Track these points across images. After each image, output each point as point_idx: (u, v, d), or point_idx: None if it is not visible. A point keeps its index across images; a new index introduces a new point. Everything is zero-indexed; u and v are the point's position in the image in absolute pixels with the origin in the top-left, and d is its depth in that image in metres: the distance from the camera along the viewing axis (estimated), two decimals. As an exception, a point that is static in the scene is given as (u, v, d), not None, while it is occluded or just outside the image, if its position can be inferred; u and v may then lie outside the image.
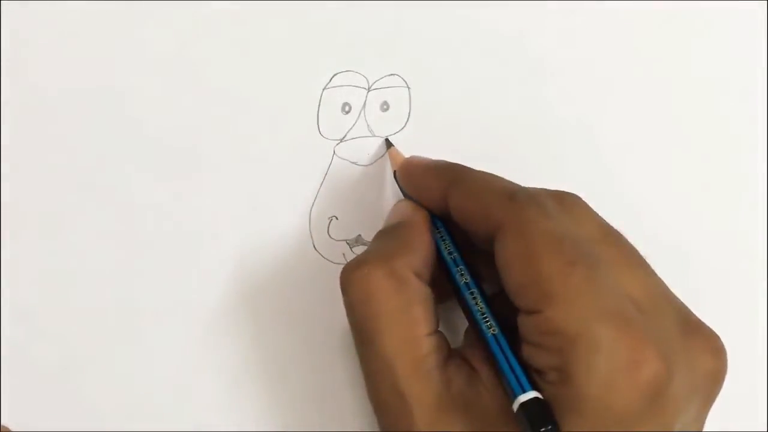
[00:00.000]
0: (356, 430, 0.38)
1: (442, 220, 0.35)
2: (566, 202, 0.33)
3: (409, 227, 0.34)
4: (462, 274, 0.34)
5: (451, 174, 0.34)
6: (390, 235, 0.35)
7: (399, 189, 0.37)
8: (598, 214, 0.34)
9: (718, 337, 0.32)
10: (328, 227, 0.38)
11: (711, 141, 0.42)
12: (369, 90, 0.37)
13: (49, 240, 0.35)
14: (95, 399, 0.36)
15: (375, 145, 0.38)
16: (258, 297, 0.37)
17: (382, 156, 0.38)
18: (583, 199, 0.34)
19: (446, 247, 0.34)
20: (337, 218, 0.38)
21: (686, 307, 0.33)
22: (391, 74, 0.38)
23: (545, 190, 0.33)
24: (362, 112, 0.37)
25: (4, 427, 0.35)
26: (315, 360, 0.38)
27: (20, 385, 0.35)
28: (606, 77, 0.40)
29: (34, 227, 0.35)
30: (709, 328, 0.33)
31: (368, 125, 0.38)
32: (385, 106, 0.38)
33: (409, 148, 0.38)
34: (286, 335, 0.38)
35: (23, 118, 0.34)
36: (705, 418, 0.32)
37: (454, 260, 0.34)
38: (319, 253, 0.38)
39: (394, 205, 0.37)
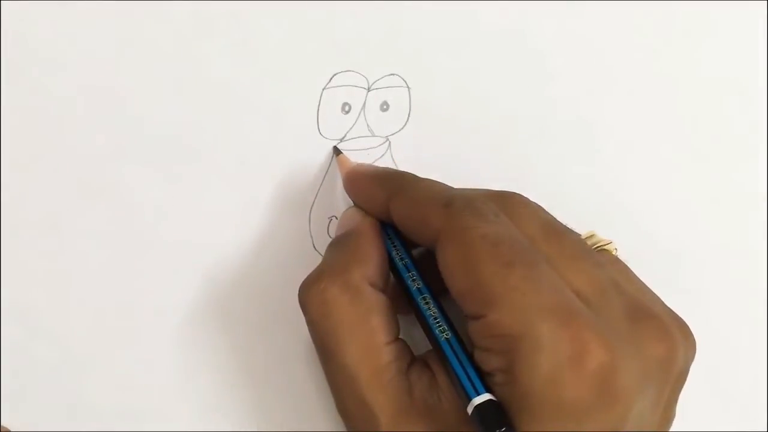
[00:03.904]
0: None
1: (392, 227, 0.35)
2: (506, 202, 0.33)
3: (359, 236, 0.35)
4: (414, 280, 0.34)
5: (393, 183, 0.35)
6: (342, 246, 0.35)
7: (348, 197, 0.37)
8: (542, 210, 0.34)
9: (670, 322, 0.32)
10: (328, 227, 0.38)
11: (711, 141, 0.42)
12: (369, 90, 0.37)
13: (49, 240, 0.35)
14: (95, 399, 0.36)
15: (375, 145, 0.38)
16: (258, 297, 0.37)
17: (382, 156, 0.38)
18: (525, 197, 0.34)
19: (398, 254, 0.34)
20: (337, 218, 0.38)
21: (642, 294, 0.33)
22: (391, 74, 0.38)
23: (485, 192, 0.34)
24: (362, 112, 0.37)
25: (4, 427, 0.35)
26: (314, 360, 0.38)
27: (20, 385, 0.35)
28: (606, 77, 0.40)
29: (34, 227, 0.35)
30: (661, 313, 0.32)
31: (368, 125, 0.38)
32: (385, 106, 0.38)
33: (409, 148, 0.38)
34: (286, 335, 0.38)
35: (23, 118, 0.34)
36: (667, 404, 0.32)
37: (406, 266, 0.34)
38: (319, 253, 0.38)
39: (343, 212, 0.37)
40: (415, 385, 0.32)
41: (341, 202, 0.38)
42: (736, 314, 0.42)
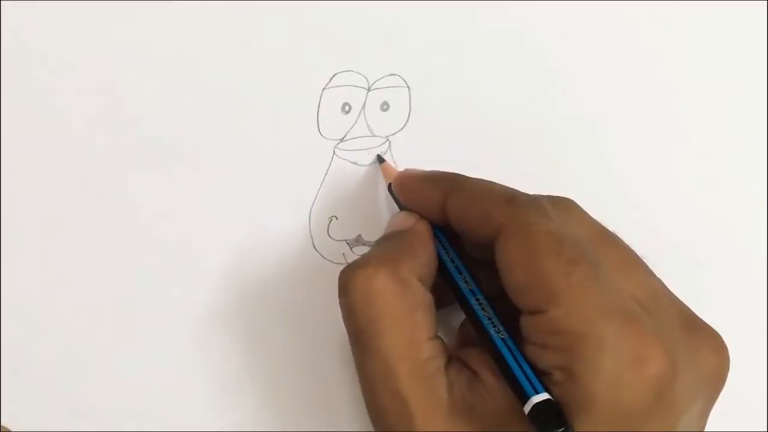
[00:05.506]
0: (354, 430, 0.38)
1: (441, 230, 0.35)
2: (562, 205, 0.34)
3: (412, 234, 0.35)
4: (466, 282, 0.34)
5: (449, 182, 0.35)
6: (393, 240, 0.35)
7: (395, 202, 0.37)
8: (592, 218, 0.34)
9: (720, 336, 0.33)
10: (328, 227, 0.38)
11: (712, 140, 0.42)
12: (369, 90, 0.37)
13: (49, 240, 0.35)
14: (95, 399, 0.36)
15: (375, 145, 0.38)
16: (258, 297, 0.37)
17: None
18: (577, 203, 0.34)
19: (448, 256, 0.35)
20: (337, 218, 0.38)
21: (687, 307, 0.33)
22: (391, 74, 0.38)
23: (541, 195, 0.34)
24: (362, 112, 0.37)
25: (4, 427, 0.35)
26: (314, 360, 0.38)
27: (20, 385, 0.35)
28: (606, 77, 0.40)
29: (34, 227, 0.35)
30: (710, 326, 0.33)
31: (368, 125, 0.38)
32: (385, 106, 0.38)
33: (409, 148, 0.38)
34: (286, 335, 0.38)
35: (23, 118, 0.34)
36: (708, 415, 0.33)
37: (457, 268, 0.34)
38: (319, 253, 0.38)
39: (393, 215, 0.37)
40: (455, 383, 0.32)
41: (341, 202, 0.38)
42: (736, 313, 0.42)
